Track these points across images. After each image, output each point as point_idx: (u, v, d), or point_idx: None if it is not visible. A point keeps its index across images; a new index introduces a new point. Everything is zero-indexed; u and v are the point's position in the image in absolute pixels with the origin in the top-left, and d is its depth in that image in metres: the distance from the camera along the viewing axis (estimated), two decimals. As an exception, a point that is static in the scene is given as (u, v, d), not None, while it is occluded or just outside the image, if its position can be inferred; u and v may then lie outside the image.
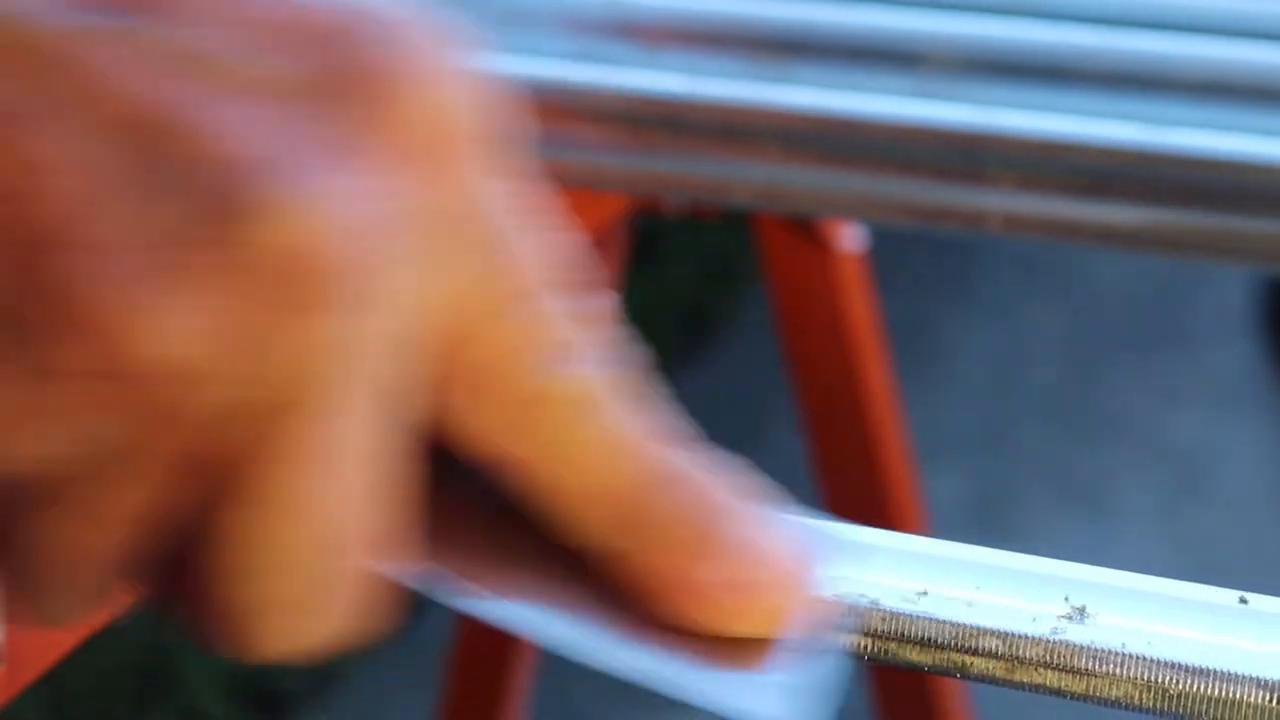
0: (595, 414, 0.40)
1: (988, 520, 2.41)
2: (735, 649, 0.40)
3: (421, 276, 0.37)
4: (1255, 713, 0.39)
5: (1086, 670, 0.40)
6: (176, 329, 0.34)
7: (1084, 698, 0.41)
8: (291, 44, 0.35)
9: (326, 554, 0.37)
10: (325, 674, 2.15)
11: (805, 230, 1.16)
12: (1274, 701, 0.39)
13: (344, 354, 0.35)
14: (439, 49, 0.38)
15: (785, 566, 0.41)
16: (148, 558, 0.37)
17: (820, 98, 0.69)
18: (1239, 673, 0.39)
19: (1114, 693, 0.41)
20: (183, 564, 0.37)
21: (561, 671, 2.28)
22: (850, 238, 1.17)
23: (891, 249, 3.00)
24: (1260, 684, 0.39)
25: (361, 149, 0.35)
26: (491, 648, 1.37)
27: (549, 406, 0.39)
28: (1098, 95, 0.70)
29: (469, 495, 0.42)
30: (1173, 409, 2.71)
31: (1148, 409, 2.70)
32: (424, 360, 0.38)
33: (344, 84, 0.36)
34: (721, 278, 2.91)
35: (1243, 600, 0.41)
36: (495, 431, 0.39)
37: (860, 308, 1.19)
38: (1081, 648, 0.41)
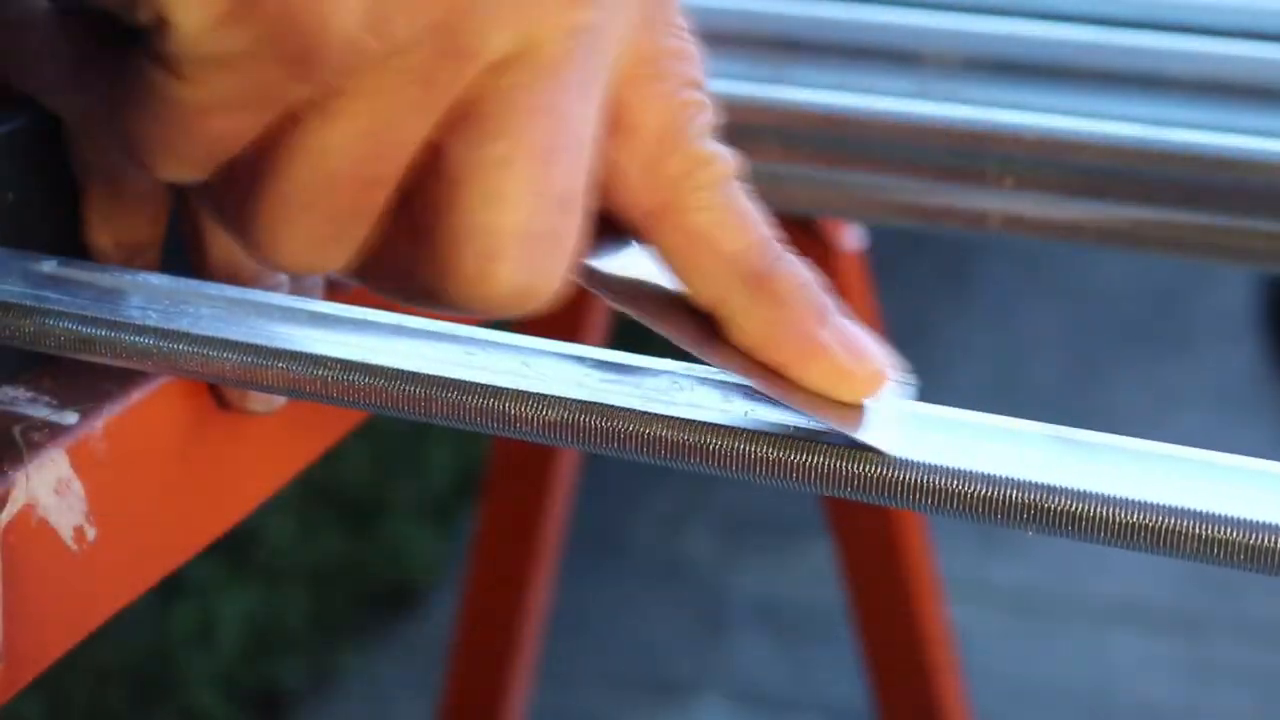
0: (729, 183, 0.47)
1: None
2: (837, 409, 0.47)
3: (627, 15, 0.46)
4: None
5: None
6: None
7: None
8: None
9: (547, 198, 0.43)
10: (324, 673, 2.15)
11: (805, 229, 1.16)
12: None
13: (584, 31, 0.44)
14: None
15: (876, 346, 0.48)
16: (397, 194, 0.44)
17: (820, 97, 0.69)
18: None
19: None
20: (426, 207, 0.44)
21: (562, 671, 2.29)
22: (850, 237, 1.17)
23: (891, 248, 3.00)
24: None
25: None
26: (491, 648, 1.37)
27: (694, 165, 0.47)
28: (1098, 94, 0.70)
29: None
30: (1173, 409, 2.71)
31: (1148, 409, 2.70)
32: (615, 80, 0.46)
33: None
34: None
35: None
36: (655, 181, 0.47)
37: (860, 307, 1.19)
38: None
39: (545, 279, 0.45)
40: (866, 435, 0.46)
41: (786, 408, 0.47)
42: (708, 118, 0.48)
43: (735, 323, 0.48)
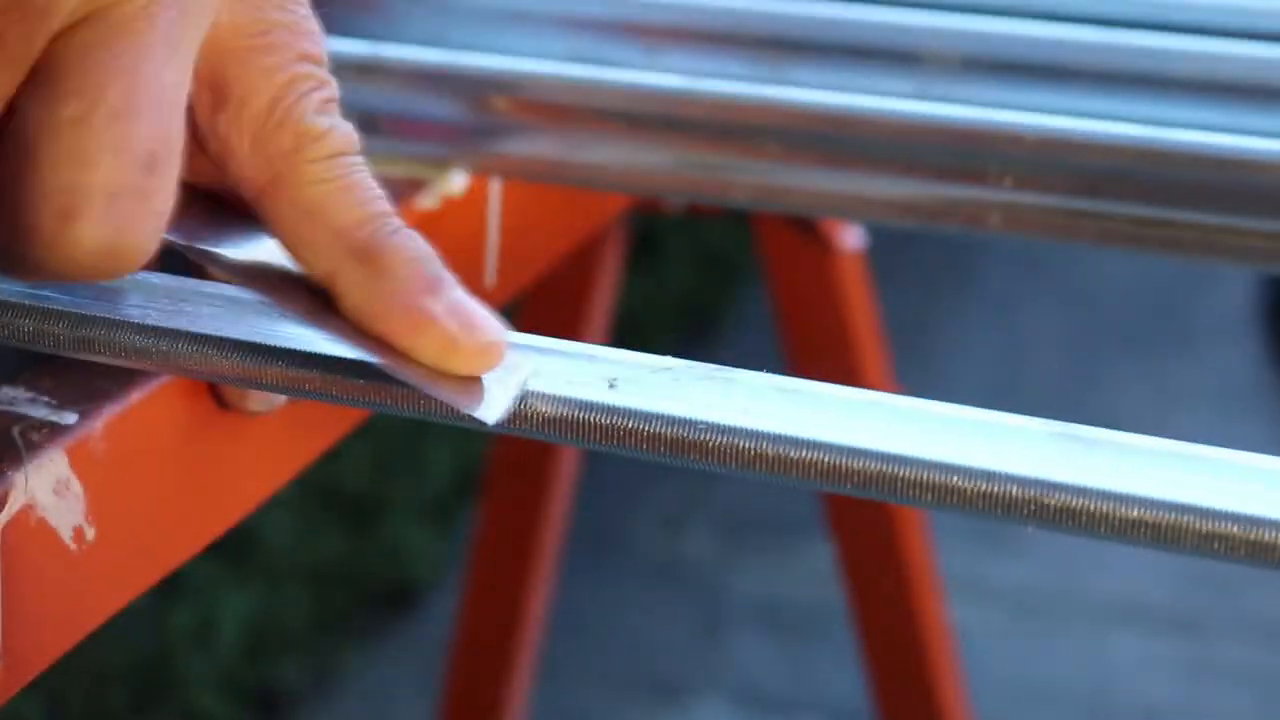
0: (338, 157, 0.48)
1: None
2: (452, 383, 0.48)
3: None
4: None
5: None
6: None
7: None
8: None
9: (126, 155, 0.43)
10: (324, 673, 2.15)
11: (805, 229, 1.16)
12: None
13: None
14: None
15: (493, 320, 0.48)
16: None
17: (820, 96, 0.69)
18: None
19: None
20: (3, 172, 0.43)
21: (561, 671, 2.28)
22: (850, 236, 1.17)
23: (891, 248, 3.00)
24: None
25: None
26: (491, 648, 1.36)
27: (301, 139, 0.47)
28: (1098, 94, 0.70)
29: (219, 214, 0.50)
30: (1173, 409, 2.71)
31: (1148, 409, 2.70)
32: (214, 49, 0.46)
33: None
34: (721, 276, 2.91)
35: None
36: (265, 155, 0.47)
37: (860, 306, 1.19)
38: None
39: (130, 239, 0.45)
40: (476, 409, 0.47)
41: (408, 382, 0.48)
42: (323, 92, 0.48)
43: (346, 295, 0.48)
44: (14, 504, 0.51)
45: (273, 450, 0.62)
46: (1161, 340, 2.92)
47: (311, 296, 0.50)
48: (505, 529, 1.34)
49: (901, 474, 0.47)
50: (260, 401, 0.58)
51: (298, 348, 0.51)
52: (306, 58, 0.49)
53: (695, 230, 2.87)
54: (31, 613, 0.52)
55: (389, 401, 0.51)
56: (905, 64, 0.72)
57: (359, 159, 0.49)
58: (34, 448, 0.52)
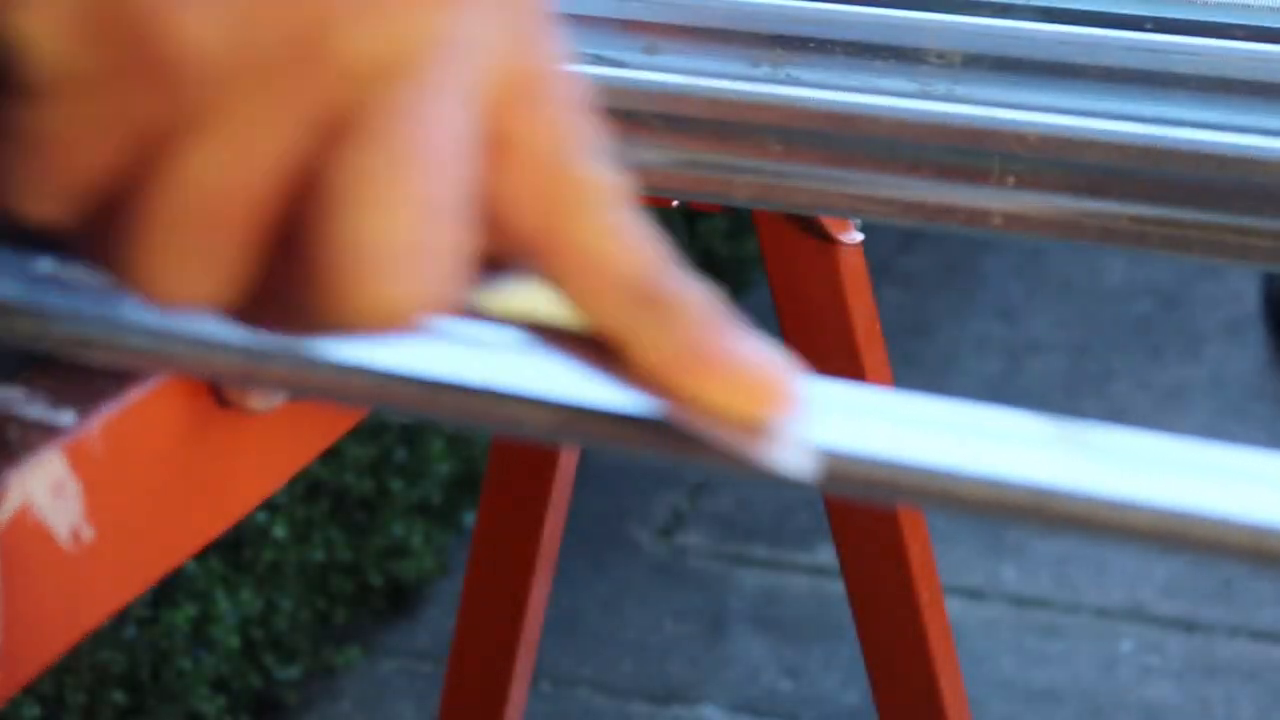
0: (617, 205, 0.47)
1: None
2: (745, 429, 0.46)
3: (500, 34, 0.45)
4: None
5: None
6: None
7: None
8: None
9: (429, 207, 0.43)
10: (324, 673, 2.15)
11: (806, 227, 1.16)
12: None
13: (452, 41, 0.43)
14: None
15: (777, 360, 0.47)
16: (272, 215, 0.42)
17: (821, 95, 0.68)
18: None
19: None
20: (301, 226, 0.42)
21: (561, 672, 2.28)
22: (850, 234, 1.17)
23: (892, 246, 3.00)
24: None
25: None
26: (491, 648, 1.36)
27: (581, 189, 0.46)
28: (1101, 93, 0.70)
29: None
30: (1175, 409, 2.71)
31: (1150, 409, 2.70)
32: (491, 99, 0.45)
33: None
34: (722, 274, 2.91)
35: None
36: (543, 206, 0.46)
37: (861, 305, 1.18)
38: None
39: (431, 292, 0.44)
40: (772, 456, 0.46)
41: (705, 432, 0.47)
42: (592, 140, 0.47)
43: (634, 344, 0.47)
44: (11, 504, 0.50)
45: (272, 450, 0.61)
46: (1164, 339, 2.92)
47: (594, 347, 0.48)
48: (505, 529, 1.34)
49: (902, 474, 0.46)
50: (260, 399, 0.58)
51: (297, 347, 0.51)
52: (575, 105, 0.47)
53: (695, 228, 2.87)
54: (30, 613, 0.52)
55: (389, 401, 0.50)
56: (907, 62, 0.72)
57: (631, 206, 0.48)
58: (31, 448, 0.52)
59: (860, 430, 0.48)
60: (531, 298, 0.49)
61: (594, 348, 0.48)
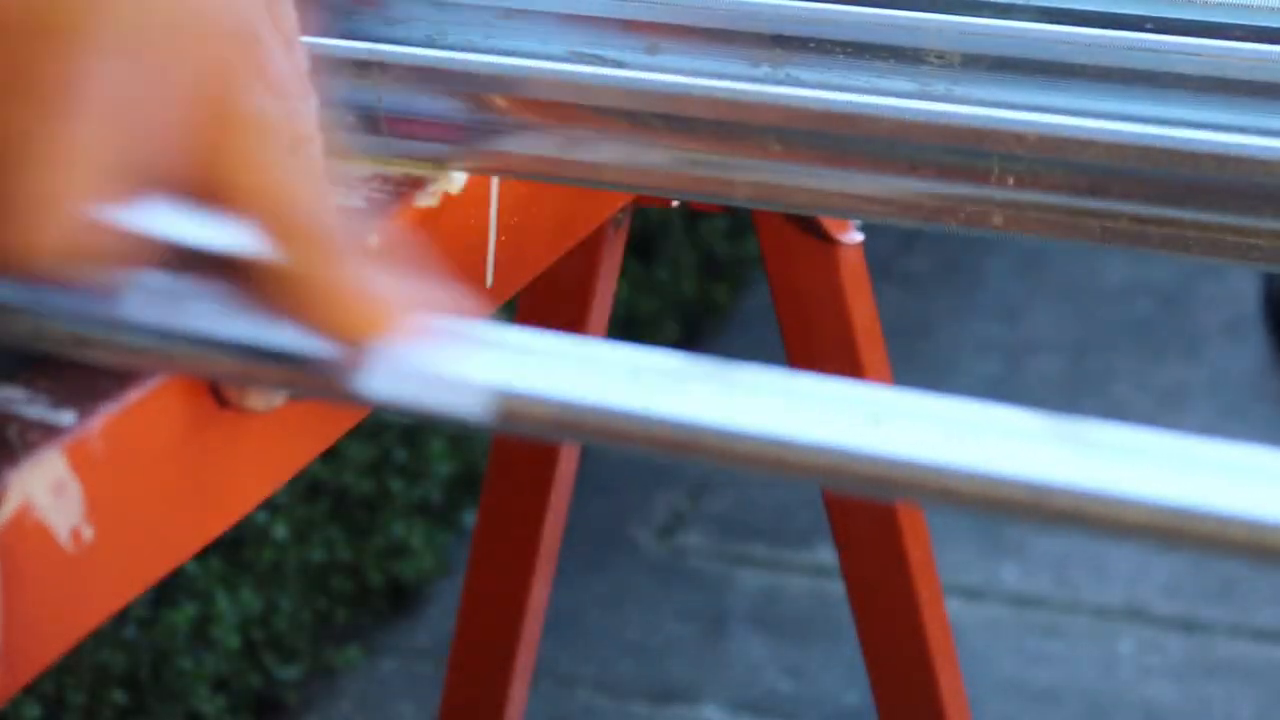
0: (296, 148, 0.51)
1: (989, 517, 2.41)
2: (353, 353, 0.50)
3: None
4: None
5: None
6: None
7: None
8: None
9: (73, 162, 0.46)
10: (324, 673, 2.15)
11: (806, 227, 1.16)
12: None
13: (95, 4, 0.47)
14: None
15: (411, 294, 0.51)
16: None
17: (821, 95, 0.68)
18: None
19: None
20: None
21: (561, 672, 2.28)
22: (850, 235, 1.17)
23: (892, 247, 3.00)
24: None
25: None
26: (491, 648, 1.36)
27: (260, 130, 0.50)
28: (1100, 93, 0.70)
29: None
30: (1175, 409, 2.71)
31: (1150, 408, 2.70)
32: (154, 47, 0.48)
33: None
34: (722, 274, 2.91)
35: None
36: (210, 144, 0.49)
37: (861, 305, 1.18)
38: None
39: (73, 240, 0.47)
40: (367, 384, 0.49)
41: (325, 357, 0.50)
42: (257, 80, 0.51)
43: (272, 270, 0.51)
44: (11, 504, 0.50)
45: (272, 450, 0.61)
46: (1164, 339, 2.92)
47: (234, 272, 0.52)
48: (505, 529, 1.34)
49: (902, 473, 0.46)
50: (260, 399, 0.58)
51: (297, 346, 0.51)
52: (241, 36, 0.51)
53: (695, 229, 2.87)
54: (30, 613, 0.52)
55: (389, 401, 0.50)
56: (907, 62, 0.72)
57: (286, 141, 0.51)
58: (31, 448, 0.52)
59: (524, 372, 0.48)
60: (188, 225, 0.52)
61: (240, 271, 0.51)
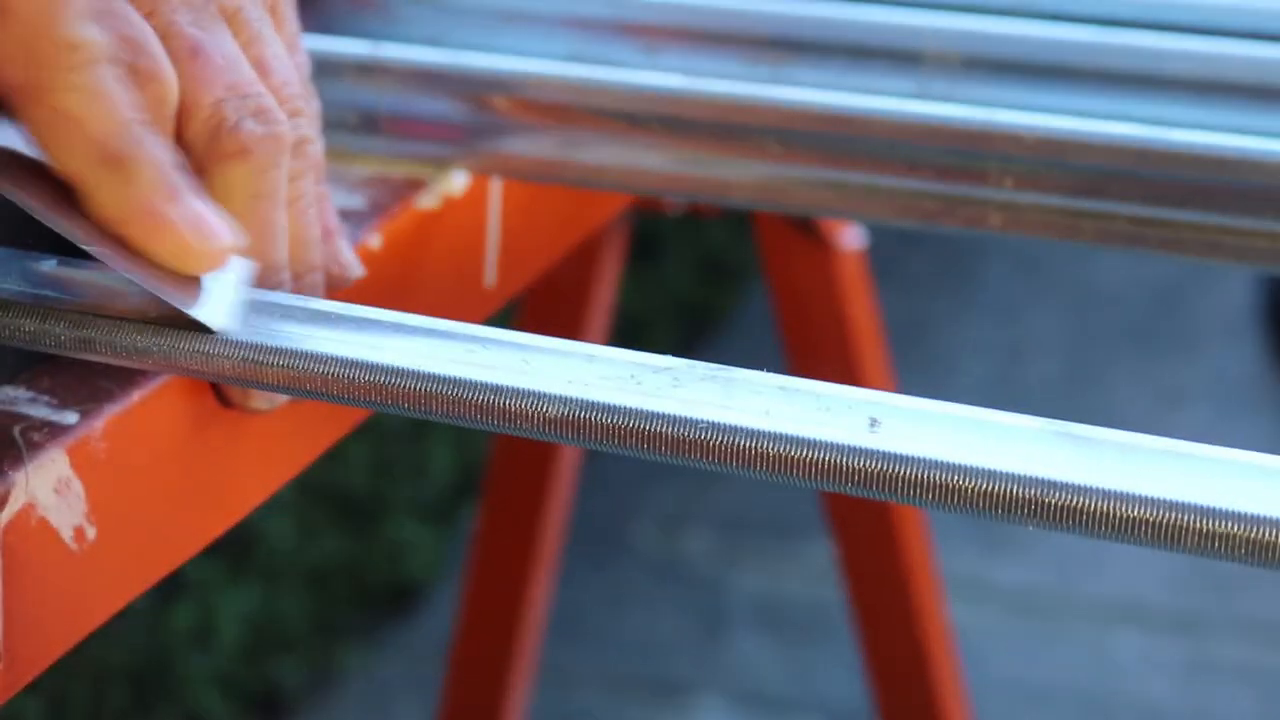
0: (107, 71, 0.52)
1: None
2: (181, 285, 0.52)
3: None
4: None
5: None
6: None
7: None
8: None
9: None
10: (324, 673, 2.15)
11: (805, 229, 1.16)
12: None
13: None
14: None
15: (225, 229, 0.52)
16: None
17: (820, 96, 0.69)
18: None
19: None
20: None
21: (561, 671, 2.27)
22: (850, 236, 1.17)
23: (892, 247, 3.00)
24: None
25: None
26: (491, 648, 1.37)
27: (76, 51, 0.51)
28: (1098, 94, 0.70)
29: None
30: (1174, 409, 2.71)
31: (1149, 409, 2.70)
32: None
33: None
34: (721, 276, 2.91)
35: None
36: (27, 60, 0.51)
37: (860, 306, 1.19)
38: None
39: None
40: (200, 312, 0.51)
41: (139, 282, 0.52)
42: (82, 4, 0.52)
43: (92, 197, 0.52)
44: (15, 504, 0.51)
45: (273, 450, 0.62)
46: (1162, 340, 2.92)
47: (56, 191, 0.53)
48: (505, 529, 1.34)
49: (902, 474, 0.47)
50: (263, 399, 0.58)
51: (298, 346, 0.51)
52: None
53: (695, 230, 2.87)
54: (32, 612, 0.52)
55: (389, 399, 0.51)
56: (905, 64, 0.72)
57: (115, 70, 0.52)
58: (35, 447, 0.52)
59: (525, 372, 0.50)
60: (10, 139, 0.54)
61: (59, 196, 0.53)
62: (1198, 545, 0.45)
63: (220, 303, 0.52)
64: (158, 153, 0.52)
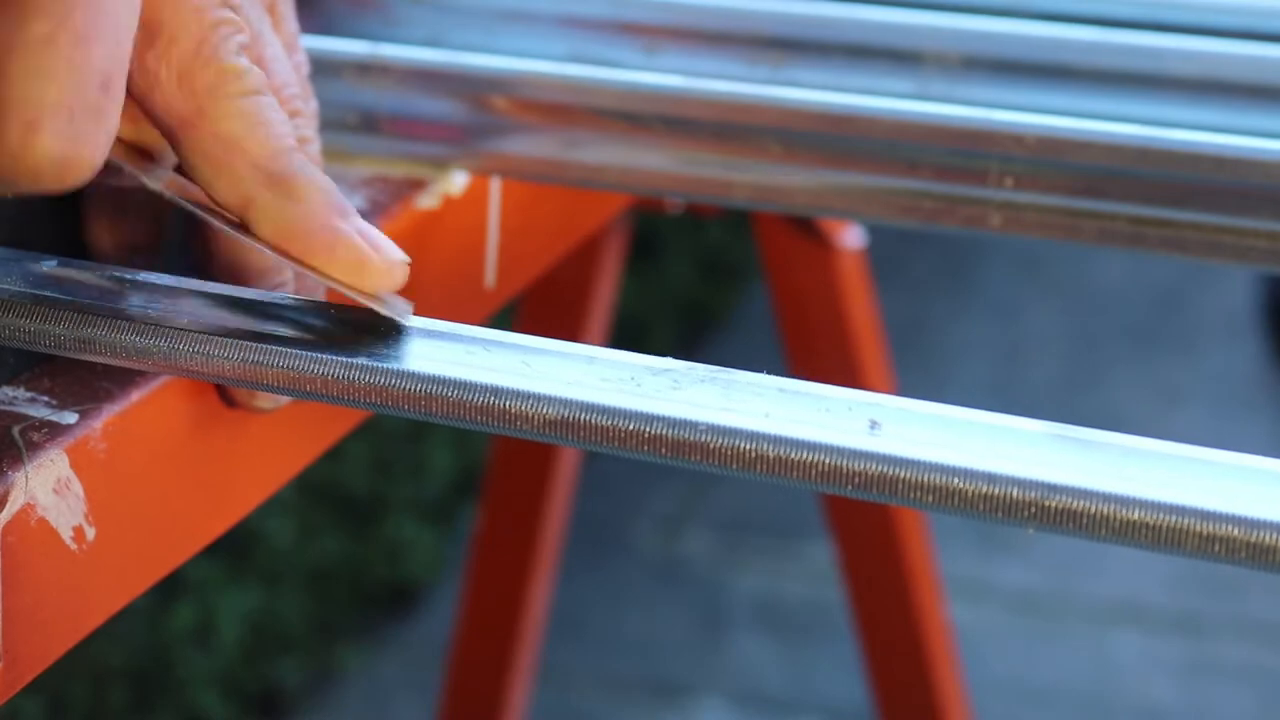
0: (264, 99, 0.54)
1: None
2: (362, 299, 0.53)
3: None
4: None
5: None
6: None
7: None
8: None
9: (98, 75, 0.48)
10: (324, 673, 2.15)
11: (805, 229, 1.16)
12: None
13: None
14: None
15: (394, 245, 0.53)
16: None
17: (820, 96, 0.69)
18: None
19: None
20: None
21: (561, 672, 2.28)
22: (850, 236, 1.17)
23: (892, 247, 3.00)
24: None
25: None
26: (491, 648, 1.37)
27: (235, 80, 0.53)
28: (1098, 94, 0.70)
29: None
30: (1174, 409, 2.71)
31: (1149, 409, 2.70)
32: None
33: None
34: (721, 276, 2.91)
35: None
36: (189, 90, 0.53)
37: (860, 306, 1.19)
38: None
39: (84, 152, 0.48)
40: (388, 309, 0.52)
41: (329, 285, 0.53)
42: (241, 37, 0.54)
43: (262, 220, 0.53)
44: (14, 504, 0.51)
45: (273, 450, 0.62)
46: (1161, 340, 2.92)
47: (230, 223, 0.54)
48: (505, 529, 1.34)
49: (902, 475, 0.47)
50: (267, 399, 0.58)
51: (298, 347, 0.51)
52: (228, 4, 0.54)
53: (695, 230, 2.87)
54: (31, 612, 0.52)
55: (390, 401, 0.51)
56: (905, 64, 0.72)
57: (271, 99, 0.54)
58: (34, 447, 0.52)
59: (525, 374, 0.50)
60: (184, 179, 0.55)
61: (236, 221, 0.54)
62: (1198, 549, 0.45)
63: (404, 311, 0.53)
64: (318, 174, 0.54)
